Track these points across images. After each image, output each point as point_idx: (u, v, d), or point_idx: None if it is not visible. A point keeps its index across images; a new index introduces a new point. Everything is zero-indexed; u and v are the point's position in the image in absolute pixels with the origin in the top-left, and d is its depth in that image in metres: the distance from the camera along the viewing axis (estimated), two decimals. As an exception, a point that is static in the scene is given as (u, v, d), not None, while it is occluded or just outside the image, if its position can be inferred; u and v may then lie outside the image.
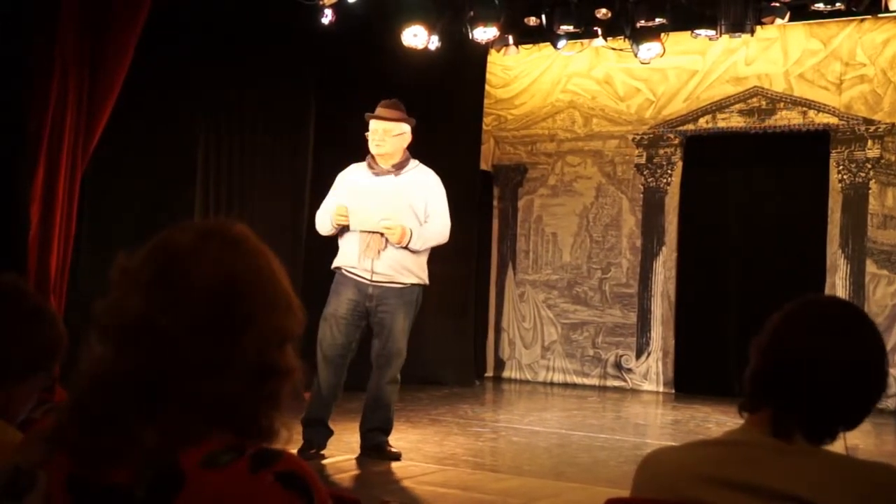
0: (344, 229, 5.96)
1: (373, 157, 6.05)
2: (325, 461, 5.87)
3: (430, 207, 6.00)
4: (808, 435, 1.81)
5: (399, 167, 6.02)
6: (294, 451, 5.66)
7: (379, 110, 6.03)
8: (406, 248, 5.88)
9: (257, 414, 1.39)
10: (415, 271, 5.99)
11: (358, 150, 6.20)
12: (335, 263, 6.06)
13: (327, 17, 7.94)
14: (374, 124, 6.01)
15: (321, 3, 7.77)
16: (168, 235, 1.42)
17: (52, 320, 2.00)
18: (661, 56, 8.80)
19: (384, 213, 5.83)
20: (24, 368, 1.96)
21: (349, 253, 5.96)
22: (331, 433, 6.05)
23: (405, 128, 6.03)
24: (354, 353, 6.07)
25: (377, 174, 6.00)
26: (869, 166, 9.13)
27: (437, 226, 6.01)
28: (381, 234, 5.86)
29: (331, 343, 5.93)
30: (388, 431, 6.09)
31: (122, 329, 1.37)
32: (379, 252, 5.88)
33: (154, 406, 1.34)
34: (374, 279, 5.91)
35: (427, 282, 6.09)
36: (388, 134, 5.96)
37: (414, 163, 6.10)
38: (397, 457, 5.98)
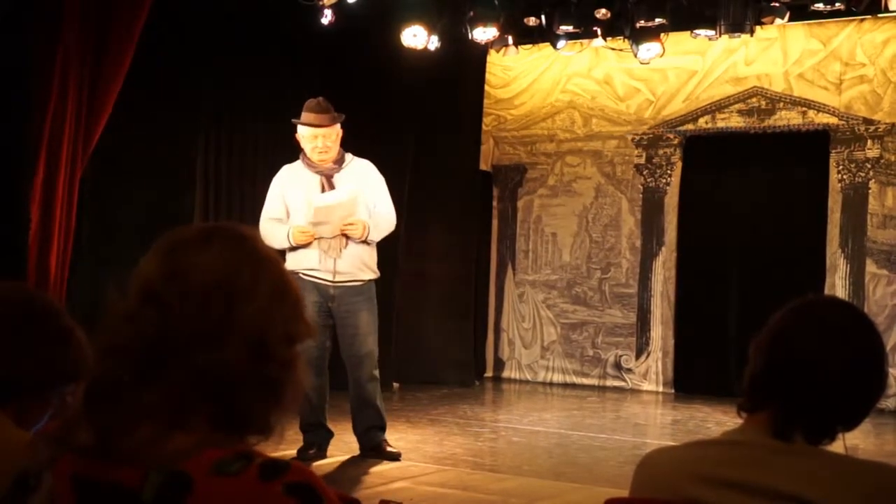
0: None
1: (308, 156, 6.01)
2: (324, 461, 5.88)
3: (375, 197, 6.00)
4: (808, 435, 1.81)
5: (339, 162, 6.01)
6: (293, 451, 5.70)
7: (312, 117, 5.94)
8: (364, 241, 5.88)
9: (255, 400, 1.38)
10: (370, 266, 6.03)
11: (359, 151, 6.19)
12: (289, 267, 5.97)
13: (327, 18, 7.94)
14: (311, 132, 5.94)
15: (320, 3, 7.76)
16: (175, 231, 1.46)
17: (78, 344, 1.99)
18: (661, 56, 8.80)
19: (343, 214, 5.81)
20: (41, 387, 1.96)
21: (307, 256, 5.90)
22: (331, 434, 6.05)
23: (339, 128, 6.01)
24: (331, 352, 6.04)
25: (319, 172, 5.96)
26: (869, 166, 9.13)
27: (386, 215, 6.02)
28: (343, 235, 5.84)
29: (305, 346, 5.89)
30: (383, 428, 6.08)
31: (126, 306, 1.39)
32: (341, 251, 5.87)
33: (153, 380, 1.35)
34: (336, 279, 5.89)
35: (378, 274, 6.09)
36: (327, 140, 5.94)
37: (349, 156, 6.09)
38: (397, 457, 5.98)
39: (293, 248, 5.90)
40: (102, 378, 1.38)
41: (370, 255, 6.01)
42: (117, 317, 1.40)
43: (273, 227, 5.93)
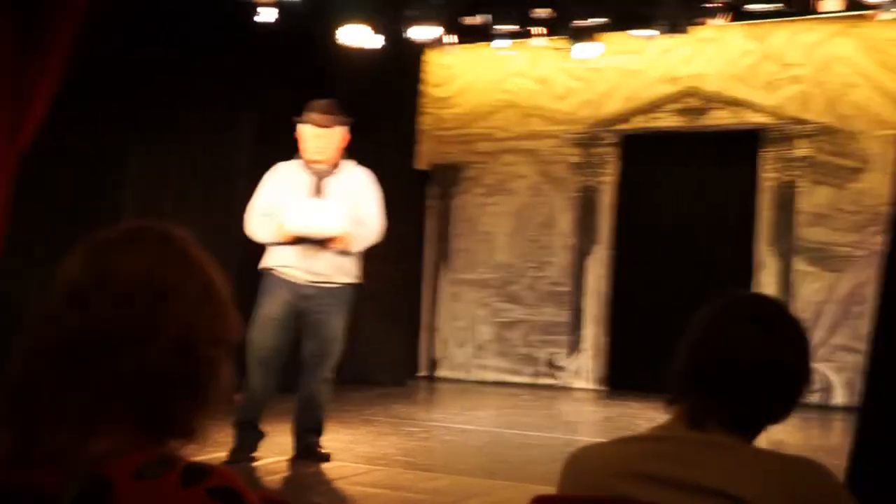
0: None
1: (306, 156, 5.98)
2: (255, 463, 5.81)
3: (365, 208, 5.96)
4: (726, 426, 1.81)
5: (335, 167, 5.97)
6: (224, 452, 5.63)
7: (318, 117, 5.91)
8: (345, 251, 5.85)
9: (179, 402, 1.35)
10: (351, 271, 5.97)
11: (295, 151, 6.13)
12: (266, 264, 5.96)
13: (262, 16, 7.87)
14: (313, 131, 5.92)
15: (259, 0, 7.69)
16: (101, 230, 1.43)
17: None
18: (600, 56, 8.85)
19: (329, 222, 5.77)
20: None
21: (285, 254, 5.87)
22: (262, 435, 5.98)
23: (343, 131, 5.97)
24: (286, 355, 6.01)
25: (314, 174, 5.93)
26: (798, 165, 9.27)
27: (372, 226, 5.98)
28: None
29: (262, 345, 5.85)
30: (319, 432, 6.04)
31: (48, 307, 1.36)
32: (318, 252, 5.83)
33: (75, 381, 1.32)
34: (312, 280, 5.85)
35: (361, 281, 6.05)
36: (328, 140, 5.90)
37: (348, 163, 6.05)
38: (327, 458, 5.94)
39: (278, 245, 5.88)
40: (23, 380, 1.35)
41: (351, 261, 5.96)
42: (39, 317, 1.37)
43: (260, 222, 5.93)
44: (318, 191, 5.89)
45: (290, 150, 6.11)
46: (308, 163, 5.95)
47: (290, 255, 5.86)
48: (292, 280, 5.87)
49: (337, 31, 8.36)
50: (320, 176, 5.92)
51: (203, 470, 1.31)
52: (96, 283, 1.35)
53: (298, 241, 5.82)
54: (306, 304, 5.88)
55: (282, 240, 5.84)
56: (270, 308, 5.87)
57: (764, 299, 2.08)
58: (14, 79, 6.09)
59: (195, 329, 1.37)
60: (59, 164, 7.16)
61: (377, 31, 8.52)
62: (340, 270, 5.92)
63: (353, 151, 6.13)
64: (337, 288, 5.92)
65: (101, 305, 1.33)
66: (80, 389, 1.32)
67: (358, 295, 6.11)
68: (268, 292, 5.91)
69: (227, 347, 1.42)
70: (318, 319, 5.90)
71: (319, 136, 5.89)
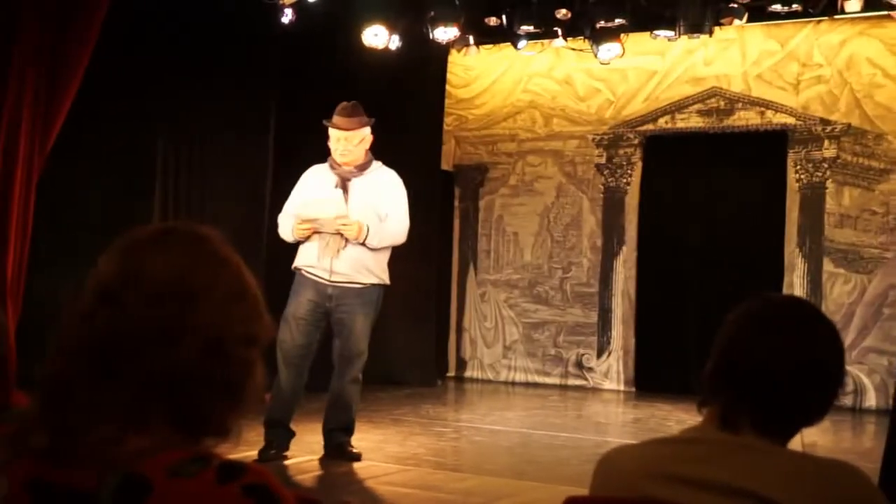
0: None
1: (333, 158, 6.05)
2: (286, 462, 5.86)
3: (389, 207, 6.00)
4: (758, 429, 1.82)
5: (362, 168, 6.03)
6: (255, 451, 5.68)
7: (339, 120, 5.97)
8: (364, 244, 5.88)
9: (212, 401, 1.38)
10: (375, 271, 5.99)
11: (320, 151, 6.18)
12: (295, 264, 6.06)
13: (287, 17, 7.91)
14: (335, 133, 5.98)
15: (281, 2, 7.74)
16: (133, 231, 1.44)
17: None
18: (621, 56, 8.86)
19: (340, 212, 5.83)
20: None
21: (309, 253, 5.96)
22: (292, 435, 6.03)
23: (366, 132, 6.02)
24: (315, 354, 6.07)
25: (340, 175, 5.99)
26: (826, 166, 9.23)
27: (395, 224, 6.01)
28: (340, 234, 5.86)
29: (291, 344, 5.92)
30: (350, 431, 6.09)
31: (82, 306, 1.38)
32: (338, 251, 5.87)
33: (109, 380, 1.34)
34: (332, 279, 5.90)
35: (388, 282, 6.09)
36: (350, 143, 5.96)
37: (376, 164, 6.10)
38: (358, 457, 5.98)
39: (299, 243, 5.98)
40: (58, 378, 1.37)
41: (375, 261, 5.98)
42: (73, 316, 1.39)
43: (285, 221, 6.05)
44: (343, 191, 5.96)
45: (314, 149, 6.17)
46: (335, 164, 6.02)
47: (312, 255, 5.92)
48: (316, 279, 5.93)
49: (362, 33, 8.40)
50: (346, 177, 5.99)
51: (238, 467, 1.32)
52: (128, 283, 1.36)
53: (317, 237, 5.88)
54: (330, 303, 5.94)
55: (299, 235, 5.91)
56: (297, 308, 5.94)
57: (796, 301, 2.07)
58: (45, 77, 6.15)
59: (227, 329, 1.38)
60: (86, 162, 7.22)
61: (401, 32, 8.56)
62: (364, 270, 5.95)
63: (379, 153, 6.18)
64: (360, 288, 5.96)
65: (132, 305, 1.35)
66: (114, 388, 1.33)
67: (384, 296, 6.14)
68: (295, 292, 5.99)
69: (260, 347, 1.44)
70: (342, 319, 5.95)
71: (343, 139, 5.95)
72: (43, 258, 6.65)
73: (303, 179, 6.16)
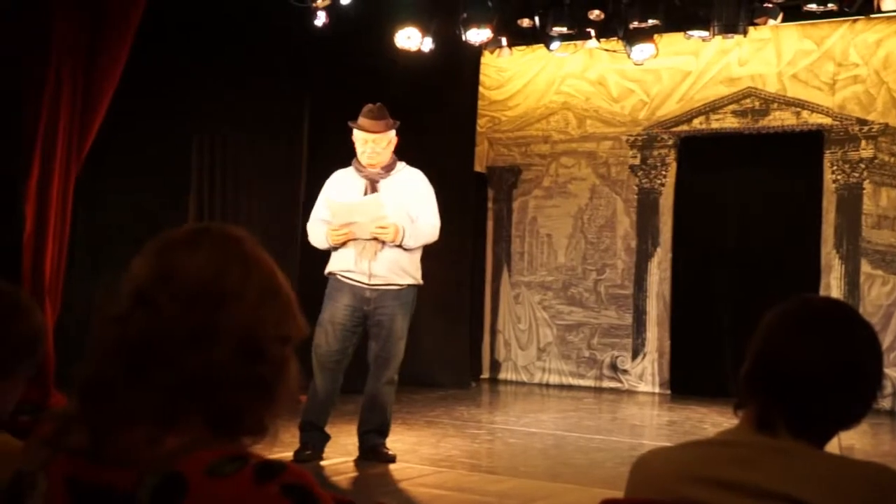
0: None
1: (359, 160, 6.06)
2: (321, 463, 5.88)
3: (419, 207, 6.02)
4: (795, 431, 1.80)
5: (388, 169, 6.04)
6: (290, 452, 5.70)
7: (367, 122, 5.98)
8: (400, 246, 5.90)
9: (247, 400, 1.38)
10: (410, 272, 6.02)
11: (351, 154, 6.20)
12: (329, 269, 6.06)
13: (320, 20, 7.94)
14: (362, 136, 5.99)
15: (314, 5, 7.77)
16: (165, 233, 1.46)
17: (27, 312, 1.98)
18: (655, 57, 8.82)
19: (376, 216, 5.84)
20: (3, 366, 1.94)
21: (344, 257, 5.96)
22: (327, 438, 6.06)
23: (392, 134, 6.04)
24: (350, 358, 6.08)
25: (368, 177, 6.01)
26: (863, 166, 9.14)
27: (427, 223, 6.03)
28: (376, 238, 5.87)
29: (326, 350, 5.94)
30: (384, 433, 6.10)
31: (116, 308, 1.39)
32: (376, 254, 5.89)
33: (145, 380, 1.35)
34: (371, 282, 5.92)
35: (421, 282, 6.11)
36: (378, 145, 5.98)
37: (401, 164, 6.12)
38: (392, 459, 5.99)
39: (334, 249, 5.97)
40: (95, 379, 1.38)
41: (410, 262, 6.01)
42: (108, 319, 1.40)
43: (317, 227, 6.05)
44: (369, 193, 5.98)
45: (348, 151, 6.19)
46: (361, 167, 6.03)
47: (349, 259, 5.93)
48: (353, 283, 5.94)
49: (394, 35, 8.42)
50: (374, 179, 6.01)
51: (276, 466, 1.33)
52: (162, 284, 1.37)
53: (353, 242, 5.89)
54: (368, 307, 5.95)
55: (335, 241, 5.91)
56: (334, 313, 5.95)
57: (833, 303, 2.06)
58: (82, 80, 6.21)
59: (260, 329, 1.39)
60: (122, 162, 7.28)
61: (433, 34, 8.56)
62: (401, 272, 5.98)
63: (412, 155, 6.19)
64: (398, 289, 5.98)
65: (166, 307, 1.36)
66: (150, 389, 1.34)
67: (419, 296, 6.16)
68: (331, 297, 6.00)
69: (293, 346, 1.45)
70: (380, 321, 5.97)
71: (371, 141, 5.97)
72: (80, 259, 6.72)
73: (329, 185, 6.16)
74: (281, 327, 1.43)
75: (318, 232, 6.05)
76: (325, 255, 6.14)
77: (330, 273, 6.05)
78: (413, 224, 5.95)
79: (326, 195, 6.08)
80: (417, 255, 6.07)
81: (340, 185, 6.09)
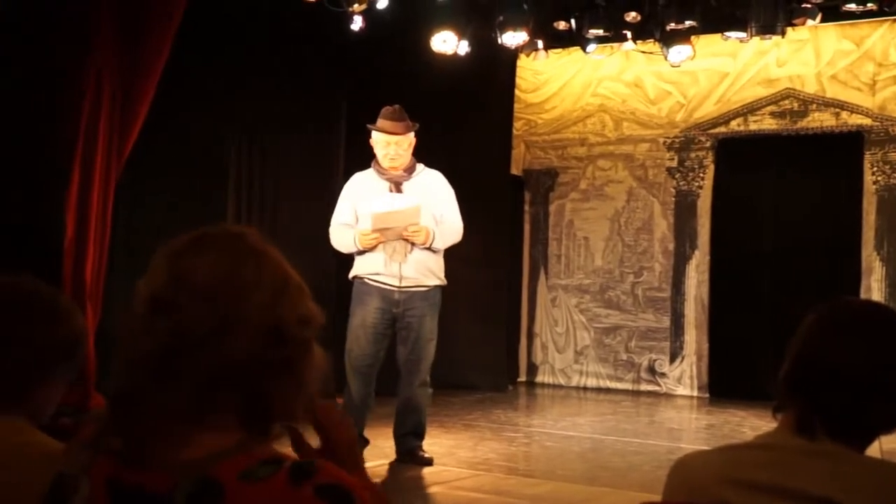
0: None
1: (379, 163, 6.07)
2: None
3: (442, 207, 6.04)
4: (834, 435, 1.79)
5: (409, 171, 6.07)
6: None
7: (389, 125, 6.00)
8: (429, 248, 5.93)
9: (276, 384, 1.40)
10: (437, 273, 6.07)
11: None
12: (355, 272, 6.06)
13: (357, 24, 7.97)
14: (384, 138, 6.01)
15: (351, 10, 7.80)
16: (167, 245, 1.48)
17: (67, 315, 2.01)
18: (692, 58, 8.77)
19: (414, 220, 5.85)
20: (44, 369, 1.97)
21: (372, 261, 5.97)
22: (366, 443, 6.08)
23: (412, 136, 6.06)
24: (382, 361, 6.10)
25: (391, 180, 6.03)
26: (904, 168, 9.05)
27: (451, 224, 6.07)
28: (406, 240, 5.89)
29: (359, 353, 5.96)
30: (421, 436, 6.11)
31: (135, 320, 1.42)
32: (406, 256, 5.91)
33: (175, 381, 1.36)
34: (402, 284, 5.94)
35: (445, 282, 6.13)
36: (400, 147, 6.01)
37: (420, 166, 6.15)
38: (429, 462, 6.00)
39: (360, 253, 5.98)
40: (125, 388, 1.41)
41: (436, 263, 6.06)
42: (131, 332, 1.42)
43: (342, 232, 6.08)
44: (396, 195, 6.00)
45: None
46: (383, 170, 6.05)
47: (378, 262, 5.95)
48: (383, 286, 5.95)
49: (431, 39, 8.43)
50: (396, 182, 6.03)
51: (309, 467, 1.34)
52: (179, 286, 1.40)
53: (382, 245, 5.90)
54: (397, 308, 5.97)
55: (366, 245, 5.92)
56: (365, 316, 5.96)
57: (872, 305, 2.04)
58: (122, 85, 6.26)
59: (280, 313, 1.41)
60: (160, 165, 7.32)
61: (469, 38, 8.57)
62: (429, 273, 6.01)
63: (449, 158, 6.21)
64: (426, 291, 6.01)
65: (186, 305, 1.38)
66: (179, 388, 1.36)
67: (456, 299, 6.18)
68: (360, 301, 6.00)
69: (314, 328, 1.46)
70: (410, 324, 5.99)
71: (394, 143, 5.99)
72: (119, 262, 6.77)
73: (350, 188, 6.17)
74: (300, 310, 1.44)
75: (344, 236, 6.05)
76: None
77: (356, 277, 6.06)
78: (439, 226, 5.98)
79: (352, 201, 6.08)
80: (441, 256, 6.11)
81: (363, 188, 6.10)
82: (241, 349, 1.37)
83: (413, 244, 5.91)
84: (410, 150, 6.08)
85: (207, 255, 1.43)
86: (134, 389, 1.39)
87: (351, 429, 1.64)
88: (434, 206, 6.01)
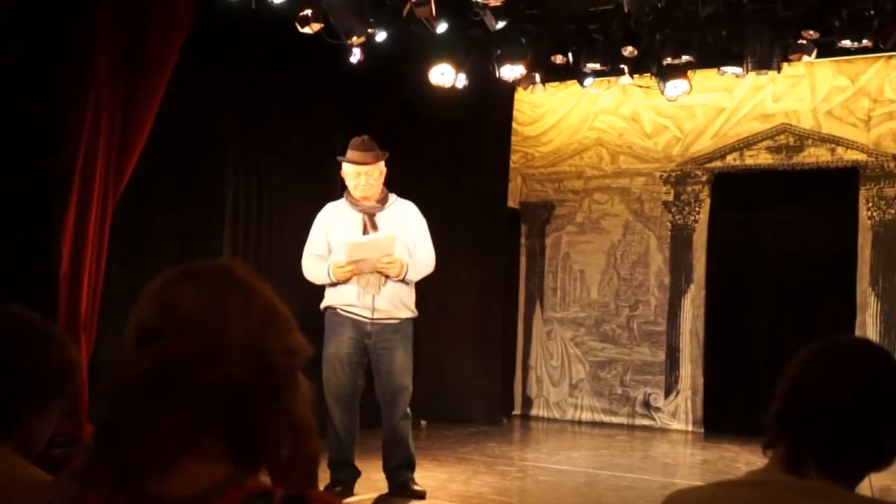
0: None
1: (351, 194, 6.07)
2: (351, 500, 5.86)
3: (415, 238, 6.05)
4: (825, 471, 1.79)
5: (382, 202, 6.07)
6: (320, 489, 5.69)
7: (358, 155, 6.01)
8: (402, 280, 5.93)
9: (262, 411, 1.39)
10: (409, 305, 6.07)
11: (390, 187, 6.21)
12: (328, 303, 6.04)
13: (356, 57, 8.01)
14: (354, 169, 6.01)
15: (350, 42, 7.84)
16: (154, 280, 1.47)
17: (60, 346, 2.01)
18: (688, 93, 8.82)
19: (389, 252, 5.86)
20: (36, 400, 1.97)
21: (346, 292, 5.96)
22: (358, 474, 6.05)
23: (383, 166, 6.06)
24: (363, 390, 6.09)
25: (364, 211, 6.02)
26: (898, 204, 9.07)
27: (424, 255, 6.08)
28: (380, 272, 5.89)
29: (336, 383, 5.95)
30: (411, 467, 6.09)
31: (124, 354, 1.42)
32: (379, 288, 5.91)
33: (162, 409, 1.35)
34: (374, 316, 5.93)
35: (416, 313, 6.13)
36: (371, 177, 6.00)
37: (393, 196, 6.15)
38: (422, 495, 5.97)
39: (333, 284, 5.97)
40: (112, 416, 1.40)
41: (408, 294, 6.06)
42: (118, 361, 1.42)
43: (314, 263, 6.06)
44: (370, 227, 5.99)
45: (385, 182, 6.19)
46: (355, 201, 6.05)
47: (351, 294, 5.94)
48: (355, 318, 5.94)
49: (428, 72, 8.48)
50: (370, 213, 6.03)
51: (300, 499, 1.34)
52: (163, 315, 1.40)
53: (355, 277, 5.90)
54: (369, 340, 5.96)
55: (340, 277, 5.91)
56: (339, 347, 5.95)
57: (863, 342, 2.05)
58: (121, 111, 6.28)
59: (266, 343, 1.40)
60: (157, 193, 7.33)
61: (467, 71, 8.62)
62: (401, 305, 6.01)
63: (445, 190, 6.22)
64: (398, 323, 6.01)
65: (172, 333, 1.38)
66: (166, 415, 1.35)
67: (449, 331, 6.17)
68: (333, 331, 5.99)
69: (300, 358, 1.45)
70: (381, 356, 5.98)
71: (364, 174, 5.99)
72: (115, 292, 6.76)
73: (322, 218, 6.16)
74: (286, 340, 1.44)
75: (316, 267, 6.03)
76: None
77: (328, 307, 6.04)
78: (412, 257, 5.98)
79: (325, 232, 6.08)
80: (413, 288, 6.12)
81: (335, 219, 6.09)
82: (226, 376, 1.37)
83: (387, 277, 5.91)
84: (381, 180, 6.07)
85: (194, 286, 1.43)
86: (120, 417, 1.38)
87: (311, 445, 1.60)
88: (408, 236, 6.01)
